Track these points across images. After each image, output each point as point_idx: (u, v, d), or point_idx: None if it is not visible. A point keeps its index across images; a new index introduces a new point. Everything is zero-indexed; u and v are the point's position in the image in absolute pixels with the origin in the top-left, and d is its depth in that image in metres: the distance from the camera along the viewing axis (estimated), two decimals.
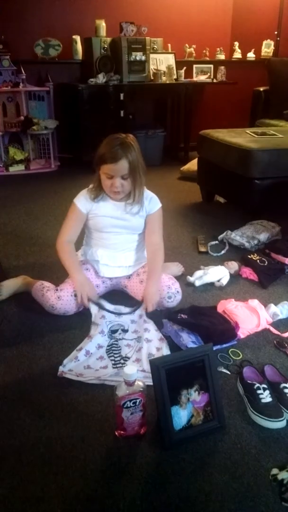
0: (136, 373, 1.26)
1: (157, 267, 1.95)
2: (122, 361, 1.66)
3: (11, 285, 2.12)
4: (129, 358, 1.68)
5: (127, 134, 1.84)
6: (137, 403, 1.27)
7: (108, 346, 1.74)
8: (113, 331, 1.81)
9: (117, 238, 1.99)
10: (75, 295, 1.89)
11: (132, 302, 1.99)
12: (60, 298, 1.89)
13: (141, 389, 1.27)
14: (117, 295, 2.09)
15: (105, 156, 1.77)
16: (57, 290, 1.92)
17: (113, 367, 1.62)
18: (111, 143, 1.78)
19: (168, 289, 1.92)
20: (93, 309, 1.91)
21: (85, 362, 1.64)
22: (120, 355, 1.69)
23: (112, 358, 1.67)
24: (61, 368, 1.59)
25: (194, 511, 1.13)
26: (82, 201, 1.94)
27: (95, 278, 2.01)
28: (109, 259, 2.02)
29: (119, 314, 1.91)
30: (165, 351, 1.71)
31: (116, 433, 1.33)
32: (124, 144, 1.77)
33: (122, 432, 1.32)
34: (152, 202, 1.98)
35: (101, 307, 1.92)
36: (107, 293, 2.08)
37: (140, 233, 2.03)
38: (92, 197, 1.93)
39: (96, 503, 1.14)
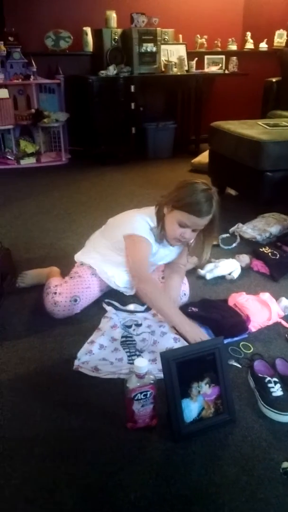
0: (147, 366, 1.26)
1: (179, 281, 1.92)
2: (137, 353, 1.66)
3: (36, 275, 2.13)
4: (144, 351, 1.68)
5: (210, 185, 1.70)
6: (148, 396, 1.27)
7: (122, 337, 1.74)
8: (127, 326, 1.81)
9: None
10: (75, 300, 1.83)
11: (140, 301, 1.96)
12: (56, 304, 1.82)
13: (152, 381, 1.27)
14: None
15: (193, 207, 1.64)
16: (55, 293, 1.85)
17: (129, 360, 1.62)
18: (202, 195, 1.64)
19: None
20: (108, 308, 1.92)
21: (100, 355, 1.64)
22: (135, 348, 1.69)
23: (127, 350, 1.68)
24: (76, 362, 1.59)
25: (205, 504, 1.13)
26: (151, 239, 1.77)
27: (98, 284, 1.93)
28: (123, 282, 1.95)
29: (132, 312, 1.92)
30: (183, 341, 1.70)
31: (127, 426, 1.34)
32: (214, 199, 1.65)
33: (133, 424, 1.32)
34: None
35: (115, 308, 1.92)
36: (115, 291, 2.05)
37: None
38: (157, 239, 1.78)
39: (107, 495, 1.15)
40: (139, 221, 1.78)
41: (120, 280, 1.92)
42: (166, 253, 1.88)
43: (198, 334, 1.60)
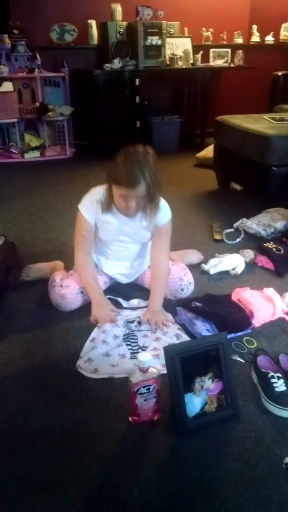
0: (150, 360, 1.26)
1: (162, 286, 1.86)
2: (140, 350, 1.66)
3: (40, 268, 2.14)
4: (147, 347, 1.68)
5: (145, 147, 1.63)
6: (151, 390, 1.27)
7: (124, 335, 1.74)
8: (129, 322, 1.81)
9: (121, 250, 1.92)
10: (81, 292, 1.85)
11: (146, 295, 1.95)
12: (63, 297, 1.84)
13: (155, 375, 1.27)
14: (132, 286, 2.06)
15: (121, 179, 1.60)
16: (61, 286, 1.86)
17: (131, 357, 1.62)
18: (128, 164, 1.59)
19: (180, 281, 1.90)
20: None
21: (103, 349, 1.64)
22: (137, 345, 1.69)
23: (130, 347, 1.68)
24: (78, 362, 1.58)
25: (208, 498, 1.13)
26: (88, 211, 1.78)
27: (102, 275, 1.98)
28: (112, 268, 1.99)
29: (135, 309, 1.91)
30: (185, 337, 1.71)
31: (130, 419, 1.34)
32: (142, 165, 1.58)
33: (136, 418, 1.33)
34: (162, 212, 1.79)
35: (117, 305, 1.92)
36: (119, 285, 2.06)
37: (146, 241, 1.93)
38: (103, 209, 1.76)
39: (110, 488, 1.15)
40: (89, 194, 1.80)
41: (109, 268, 1.97)
42: (125, 227, 1.82)
43: (105, 316, 1.77)
